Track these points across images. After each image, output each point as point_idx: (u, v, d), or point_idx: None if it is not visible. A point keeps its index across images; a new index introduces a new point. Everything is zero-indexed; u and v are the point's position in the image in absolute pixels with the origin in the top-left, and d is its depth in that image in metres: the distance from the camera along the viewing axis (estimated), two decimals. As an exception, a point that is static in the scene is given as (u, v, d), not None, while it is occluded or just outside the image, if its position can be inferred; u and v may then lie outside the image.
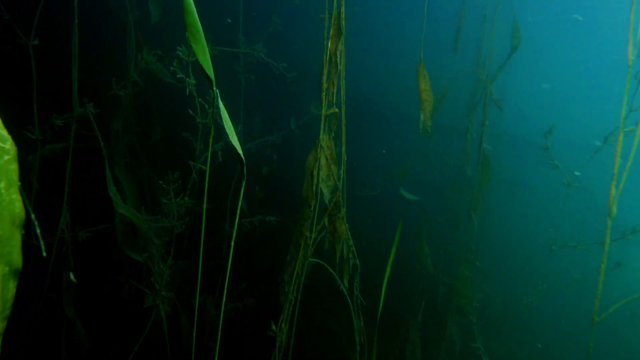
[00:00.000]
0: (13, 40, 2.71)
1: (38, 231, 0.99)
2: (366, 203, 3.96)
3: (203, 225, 1.99)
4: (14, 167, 0.84)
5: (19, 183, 0.85)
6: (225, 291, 2.00)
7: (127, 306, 3.22)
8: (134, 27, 3.72)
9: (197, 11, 1.80)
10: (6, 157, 0.84)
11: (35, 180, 3.17)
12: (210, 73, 1.69)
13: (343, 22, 2.33)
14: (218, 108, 1.79)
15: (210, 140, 1.81)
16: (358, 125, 3.22)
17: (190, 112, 2.61)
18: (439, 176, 3.82)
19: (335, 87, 2.42)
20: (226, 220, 3.81)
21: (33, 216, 0.97)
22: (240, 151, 1.69)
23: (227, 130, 1.70)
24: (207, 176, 1.86)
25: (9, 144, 0.85)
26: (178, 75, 2.42)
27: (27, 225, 2.77)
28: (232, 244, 1.94)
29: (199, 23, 1.64)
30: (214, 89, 1.74)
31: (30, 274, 2.53)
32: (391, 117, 4.50)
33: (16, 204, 0.81)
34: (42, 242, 0.98)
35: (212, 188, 3.74)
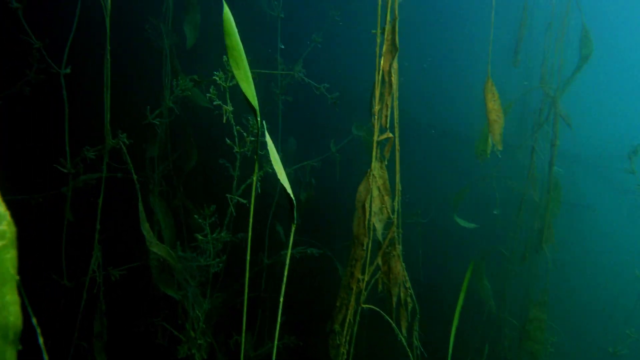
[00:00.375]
0: (45, 70, 2.61)
1: (41, 341, 0.75)
2: (416, 232, 3.63)
3: (247, 273, 1.74)
4: (10, 255, 0.60)
5: (17, 277, 0.61)
6: (276, 342, 1.72)
7: (162, 349, 3.00)
8: (169, 52, 3.60)
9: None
10: (0, 243, 0.61)
11: (69, 213, 3.05)
12: (254, 102, 1.45)
13: (397, 37, 2.06)
14: (263, 137, 1.55)
15: (255, 177, 1.56)
16: (405, 146, 2.94)
17: (228, 141, 2.39)
18: (501, 202, 3.44)
19: (389, 110, 2.14)
20: (264, 252, 3.56)
21: (34, 320, 0.73)
22: (290, 193, 1.43)
23: (276, 168, 1.45)
24: (251, 217, 1.61)
25: (6, 224, 0.62)
26: (215, 102, 2.21)
27: (56, 259, 2.59)
28: (284, 285, 1.68)
29: (241, 46, 1.41)
30: (258, 118, 1.50)
31: (59, 321, 2.35)
32: (443, 137, 4.17)
33: (11, 310, 0.57)
34: (45, 356, 0.74)
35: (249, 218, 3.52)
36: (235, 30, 1.39)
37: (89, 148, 2.54)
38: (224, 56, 2.24)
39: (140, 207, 2.42)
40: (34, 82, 2.93)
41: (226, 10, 1.35)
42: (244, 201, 2.48)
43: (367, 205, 2.17)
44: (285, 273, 1.55)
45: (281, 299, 1.59)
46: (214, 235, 2.58)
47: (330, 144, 4.20)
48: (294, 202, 1.47)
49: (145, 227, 2.39)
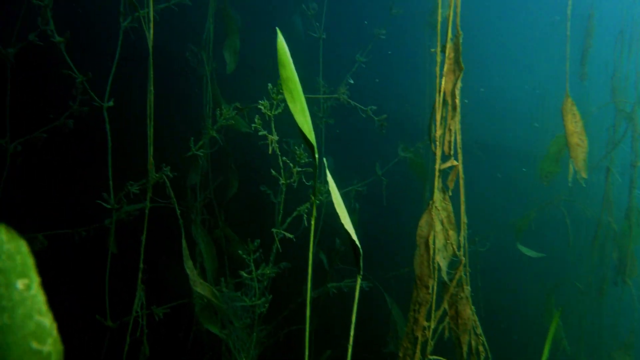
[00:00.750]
0: (88, 101, 2.57)
1: None
2: (474, 261, 3.35)
3: (307, 321, 1.56)
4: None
5: None
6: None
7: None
8: (209, 79, 3.54)
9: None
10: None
11: (113, 245, 2.99)
12: (312, 137, 1.29)
13: (461, 56, 1.86)
14: (322, 173, 1.38)
15: (313, 221, 1.39)
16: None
17: (273, 172, 2.24)
18: (572, 229, 3.09)
19: (452, 135, 1.93)
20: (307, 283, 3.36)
21: None
22: (356, 240, 1.25)
23: (339, 212, 1.27)
24: (309, 265, 1.44)
25: (51, 343, 0.46)
26: (260, 133, 2.07)
27: (96, 293, 2.50)
28: (352, 331, 1.49)
29: (297, 77, 1.25)
30: (316, 155, 1.33)
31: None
32: (504, 156, 3.88)
33: None
34: None
35: (292, 246, 3.36)
36: (290, 60, 1.24)
37: (132, 183, 2.46)
38: (269, 84, 2.11)
39: (184, 244, 2.29)
40: (77, 114, 2.92)
41: (280, 39, 1.19)
42: (291, 235, 2.30)
43: (430, 242, 1.94)
44: (352, 330, 1.35)
45: (351, 338, 1.39)
46: (259, 271, 2.42)
47: (372, 164, 4.00)
48: (361, 251, 1.28)
49: (189, 266, 2.26)
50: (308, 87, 3.60)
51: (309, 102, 3.74)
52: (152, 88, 2.26)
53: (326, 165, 1.33)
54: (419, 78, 3.76)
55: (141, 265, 2.31)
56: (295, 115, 1.26)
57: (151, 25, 2.14)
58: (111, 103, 2.50)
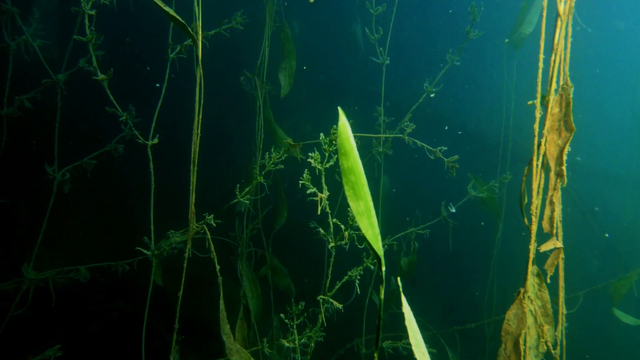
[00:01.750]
0: (134, 140, 2.41)
1: None
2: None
3: None
4: None
5: None
6: None
7: None
8: (262, 103, 3.32)
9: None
10: None
11: (158, 276, 2.89)
12: (378, 247, 0.96)
13: (572, 114, 1.45)
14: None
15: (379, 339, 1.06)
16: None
17: (322, 231, 1.94)
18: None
19: (557, 211, 1.52)
20: (361, 340, 3.03)
21: None
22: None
23: (416, 354, 0.94)
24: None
25: None
26: (309, 191, 1.77)
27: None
28: None
29: (362, 169, 0.92)
30: (383, 268, 1.01)
31: None
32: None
33: None
34: None
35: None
36: (354, 147, 0.91)
37: (173, 231, 2.27)
38: (321, 134, 1.80)
39: (222, 306, 2.04)
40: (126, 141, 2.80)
41: (342, 122, 0.87)
42: (339, 306, 1.97)
43: (520, 342, 1.54)
44: None
45: None
46: (302, 339, 2.12)
47: (437, 202, 3.57)
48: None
49: (225, 331, 2.01)
50: (367, 113, 3.27)
51: (365, 127, 3.38)
52: (198, 131, 2.03)
53: (400, 287, 0.99)
54: (496, 102, 3.31)
55: (176, 326, 2.10)
56: (357, 217, 0.94)
57: (200, 65, 1.90)
58: (156, 140, 2.31)
